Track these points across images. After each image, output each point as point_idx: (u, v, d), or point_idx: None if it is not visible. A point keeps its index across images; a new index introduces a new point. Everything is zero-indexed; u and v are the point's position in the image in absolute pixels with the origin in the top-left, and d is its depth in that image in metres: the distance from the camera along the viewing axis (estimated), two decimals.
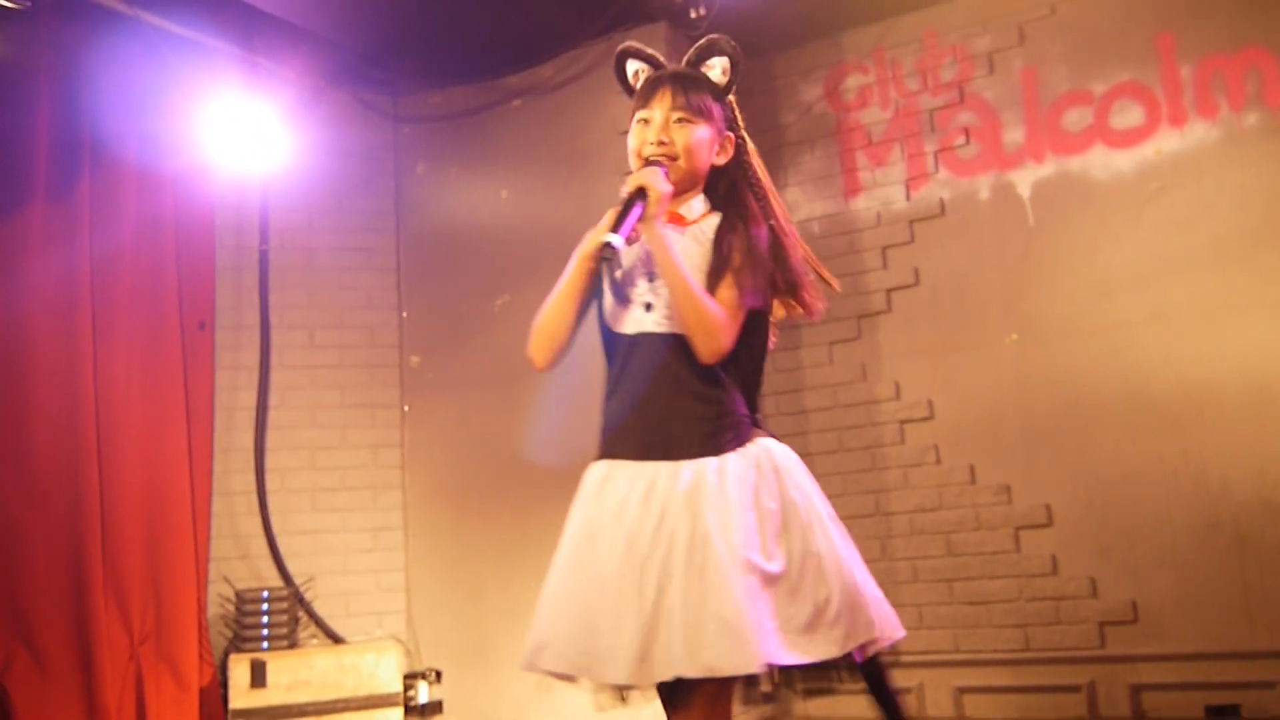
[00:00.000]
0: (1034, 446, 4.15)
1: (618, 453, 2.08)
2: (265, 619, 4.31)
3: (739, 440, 2.01)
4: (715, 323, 1.99)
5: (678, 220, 2.13)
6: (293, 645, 4.35)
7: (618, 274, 2.16)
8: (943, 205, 4.45)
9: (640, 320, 2.10)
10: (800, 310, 2.17)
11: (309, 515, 4.65)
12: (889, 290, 4.48)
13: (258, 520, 4.54)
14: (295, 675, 4.14)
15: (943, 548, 4.25)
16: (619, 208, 2.03)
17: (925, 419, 4.35)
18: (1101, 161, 4.19)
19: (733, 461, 1.98)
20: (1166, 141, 4.09)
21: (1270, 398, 3.81)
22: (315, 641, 4.51)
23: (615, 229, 1.98)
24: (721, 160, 2.17)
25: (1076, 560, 4.02)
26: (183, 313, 4.42)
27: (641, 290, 2.11)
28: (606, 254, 1.98)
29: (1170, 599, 3.87)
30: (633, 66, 2.23)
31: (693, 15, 4.30)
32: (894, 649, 2.06)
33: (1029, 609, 4.05)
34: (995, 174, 4.37)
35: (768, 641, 1.85)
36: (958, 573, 4.21)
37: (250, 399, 4.63)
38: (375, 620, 4.65)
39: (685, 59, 2.21)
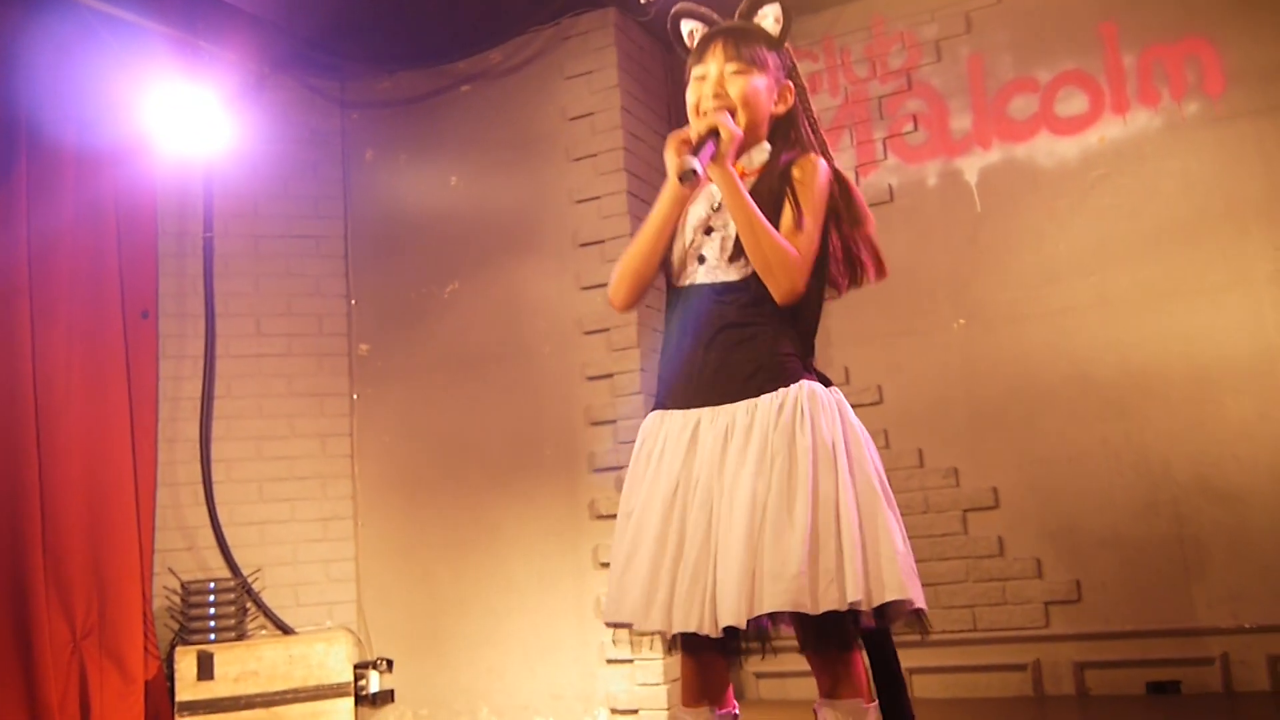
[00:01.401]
0: (981, 430, 4.20)
1: (668, 403, 2.12)
2: (212, 610, 4.25)
3: (779, 382, 2.01)
4: (790, 261, 2.00)
5: (739, 172, 2.13)
6: (241, 637, 4.30)
7: (683, 224, 2.16)
8: (891, 191, 4.48)
9: (693, 273, 2.13)
10: (859, 267, 2.18)
11: (256, 506, 4.60)
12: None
13: (204, 511, 4.48)
14: (243, 666, 4.09)
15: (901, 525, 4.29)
16: (690, 146, 2.03)
17: (874, 404, 4.38)
18: (1047, 149, 4.25)
19: (765, 403, 1.99)
20: (1110, 129, 4.15)
21: (1210, 381, 3.89)
22: (264, 633, 4.47)
23: (694, 155, 1.97)
24: (781, 109, 2.19)
25: (1022, 541, 4.08)
26: (125, 301, 4.34)
27: (697, 244, 2.13)
28: (688, 177, 1.95)
29: (1113, 578, 3.94)
30: (687, 26, 2.25)
31: (642, 1, 4.29)
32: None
33: (976, 590, 4.11)
34: (943, 161, 4.41)
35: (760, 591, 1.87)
36: None
37: (195, 388, 4.56)
38: (325, 610, 4.62)
39: (738, 11, 2.21)
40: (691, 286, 2.12)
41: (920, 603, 1.94)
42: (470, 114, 4.83)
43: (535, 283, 4.57)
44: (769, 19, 2.18)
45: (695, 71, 2.18)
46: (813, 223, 2.06)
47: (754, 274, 2.06)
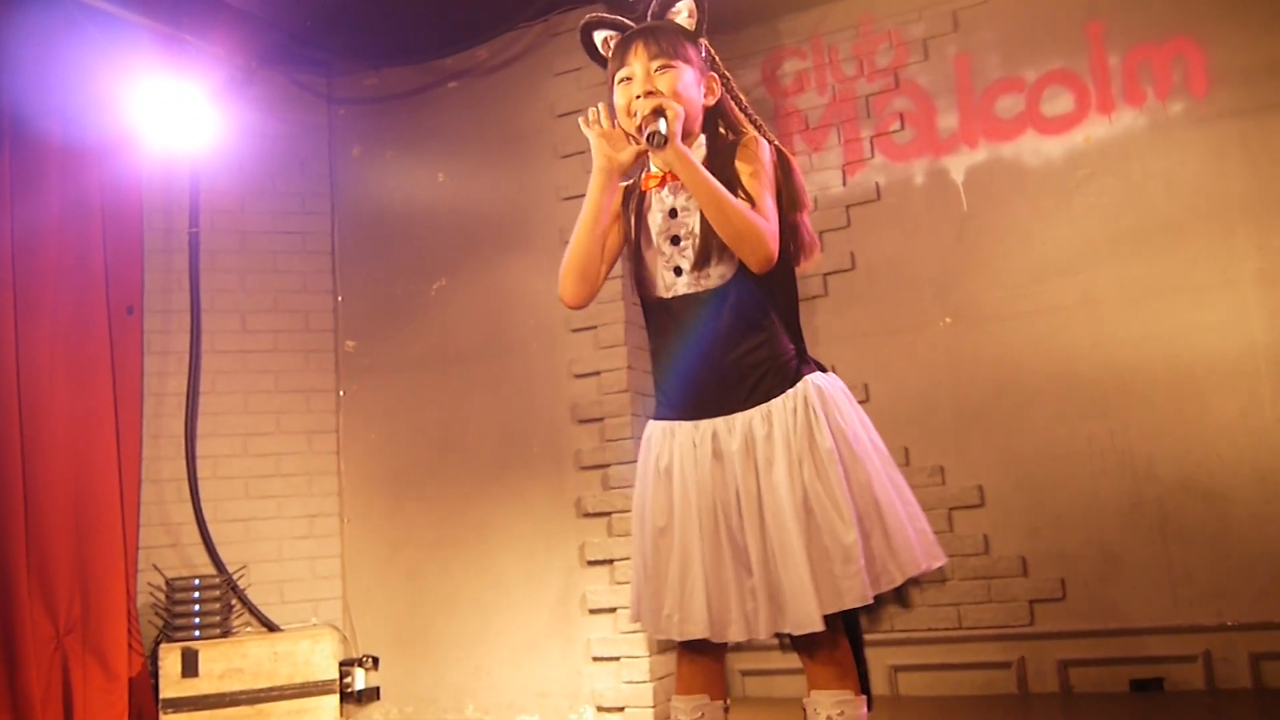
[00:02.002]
0: (967, 428, 4.21)
1: (672, 414, 2.11)
2: (197, 607, 4.24)
3: (787, 382, 2.03)
4: (758, 228, 1.98)
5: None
6: (225, 634, 4.28)
7: (643, 234, 2.16)
8: (878, 190, 4.49)
9: (673, 284, 2.11)
10: (796, 249, 2.17)
11: (242, 502, 4.58)
12: (825, 274, 4.52)
13: (189, 508, 4.46)
14: (228, 664, 4.08)
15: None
16: (637, 133, 2.04)
17: (861, 401, 4.30)
18: (1033, 148, 4.26)
19: (779, 407, 2.01)
20: (1095, 129, 4.17)
21: (1193, 380, 3.91)
22: (249, 630, 4.45)
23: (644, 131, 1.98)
24: (710, 100, 2.19)
25: (1007, 540, 4.10)
26: (109, 296, 4.32)
27: (668, 255, 2.12)
28: (656, 140, 1.95)
29: (1097, 577, 3.96)
30: (600, 35, 2.23)
31: None
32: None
33: (961, 588, 4.12)
34: (930, 159, 4.42)
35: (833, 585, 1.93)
36: None
37: (180, 385, 4.54)
38: (311, 607, 4.60)
39: (649, 12, 2.19)
40: (676, 298, 2.11)
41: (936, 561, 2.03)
42: (458, 110, 4.82)
43: (523, 279, 4.56)
44: (683, 14, 2.17)
45: (619, 74, 2.14)
46: (768, 196, 2.05)
47: (734, 276, 2.07)
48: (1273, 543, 3.74)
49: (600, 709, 4.13)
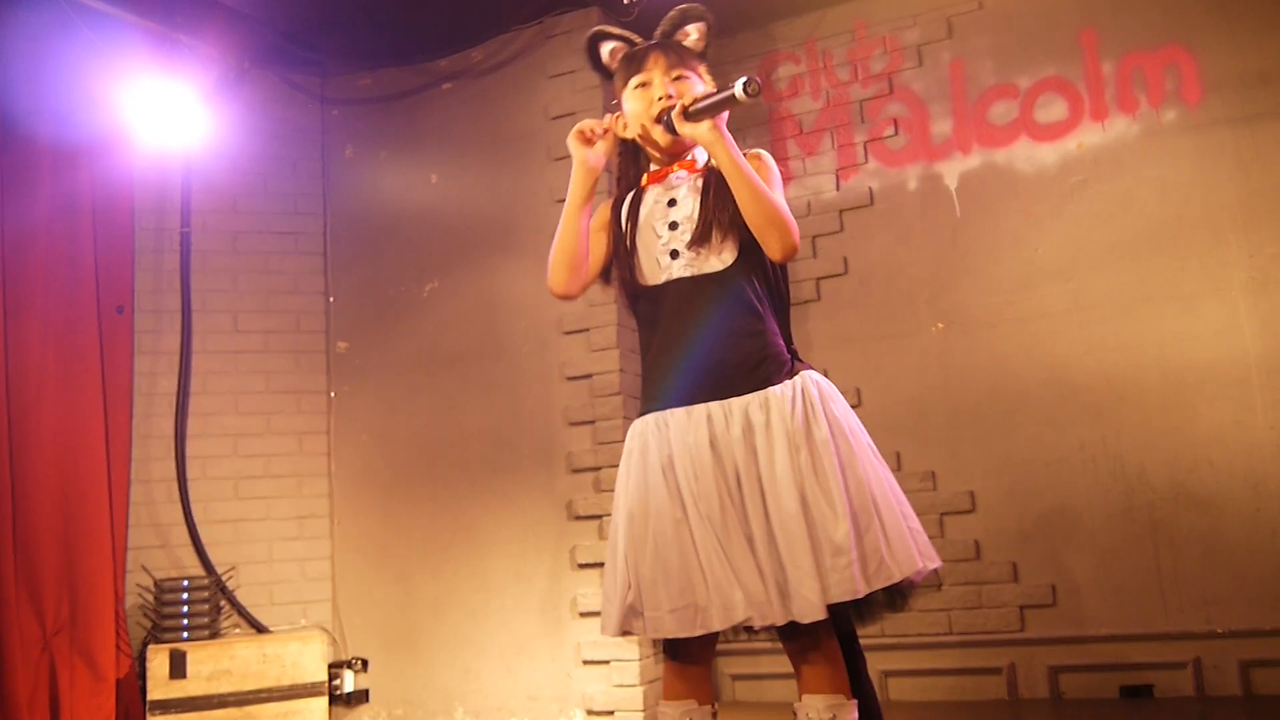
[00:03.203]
0: (959, 434, 4.21)
1: (662, 402, 2.10)
2: (185, 609, 4.22)
3: (785, 372, 2.05)
4: (787, 218, 2.06)
5: (689, 166, 2.19)
6: (214, 635, 4.27)
7: (634, 224, 2.20)
8: (872, 195, 4.49)
9: (668, 268, 2.13)
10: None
11: (231, 504, 4.56)
12: (818, 279, 4.52)
13: (178, 508, 4.45)
14: (216, 665, 4.06)
15: None
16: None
17: (853, 406, 4.35)
18: (1026, 154, 4.27)
19: (777, 396, 2.01)
20: (1088, 136, 4.18)
21: (1184, 387, 3.91)
22: (238, 631, 4.44)
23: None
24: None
25: (998, 545, 4.10)
26: (100, 295, 4.31)
27: (664, 239, 2.14)
28: (752, 89, 1.97)
29: (1087, 583, 3.96)
30: (608, 46, 2.29)
31: (625, 1, 4.28)
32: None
33: (952, 593, 4.12)
34: (923, 165, 4.43)
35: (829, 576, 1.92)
36: None
37: (170, 385, 4.52)
38: (300, 609, 4.59)
39: (659, 30, 2.26)
40: (671, 282, 2.12)
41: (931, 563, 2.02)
42: (451, 112, 4.81)
43: (515, 282, 4.56)
44: (693, 36, 2.24)
45: (635, 80, 2.20)
46: (783, 199, 2.12)
47: (735, 263, 2.09)
48: (1263, 550, 3.75)
49: (590, 713, 4.12)
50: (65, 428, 4.12)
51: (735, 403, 2.02)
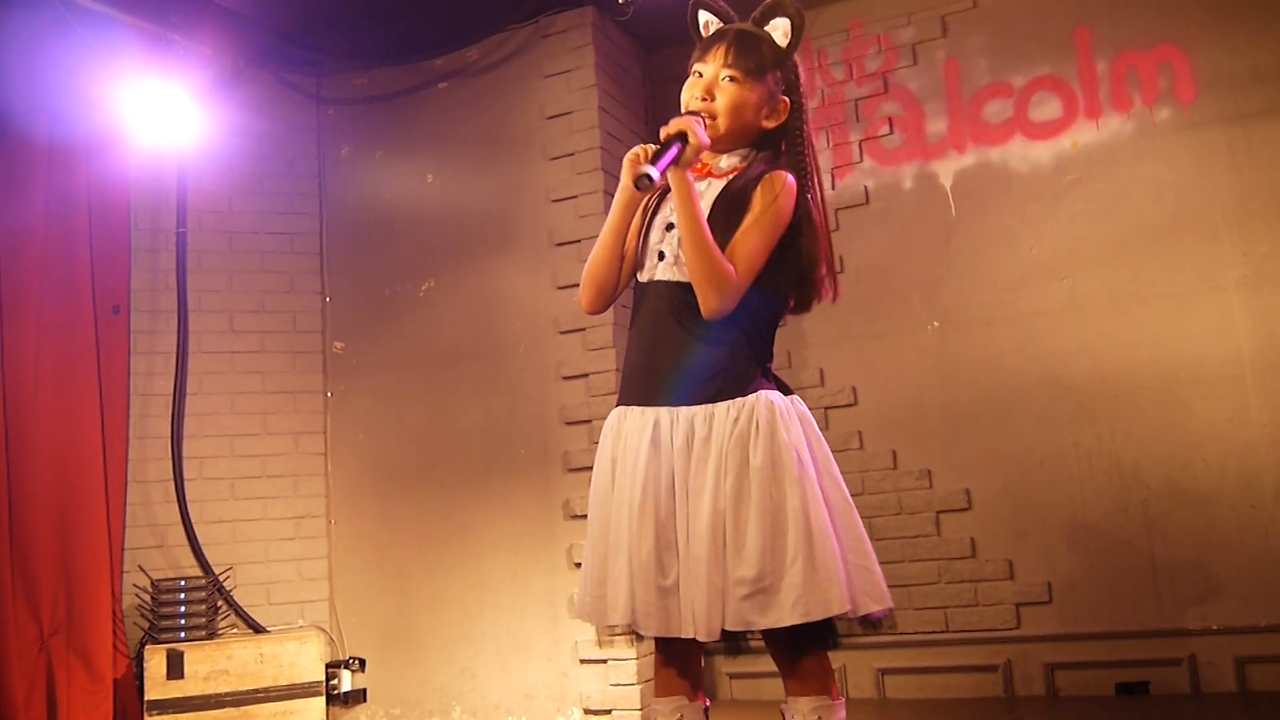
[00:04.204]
0: (954, 432, 4.22)
1: (631, 398, 2.11)
2: (182, 609, 4.22)
3: (737, 390, 2.00)
4: (724, 279, 1.96)
5: (703, 170, 2.14)
6: (211, 635, 4.27)
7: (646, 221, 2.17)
8: (867, 194, 4.50)
9: (654, 269, 2.13)
10: (807, 293, 2.15)
11: (228, 504, 4.56)
12: None
13: (175, 509, 4.44)
14: (213, 665, 4.06)
15: (866, 532, 4.31)
16: (657, 145, 2.01)
17: (849, 405, 4.40)
18: (1020, 153, 4.28)
19: (721, 413, 1.99)
20: (1083, 134, 4.19)
21: (1178, 385, 3.92)
22: (235, 631, 4.44)
23: (653, 162, 1.95)
24: (771, 124, 2.16)
25: (994, 543, 4.11)
26: (96, 295, 4.31)
27: (658, 239, 2.14)
28: (643, 184, 1.93)
29: (1083, 580, 3.97)
30: (704, 17, 2.24)
31: (620, 1, 4.29)
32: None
33: (948, 591, 4.13)
34: (918, 164, 4.43)
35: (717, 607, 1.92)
36: (880, 556, 4.10)
37: (167, 385, 4.52)
38: (297, 609, 4.59)
39: (752, 17, 2.19)
40: (652, 283, 2.13)
41: (878, 605, 1.98)
42: (447, 112, 4.81)
43: (511, 281, 4.56)
44: (779, 31, 2.15)
45: (696, 66, 2.16)
46: (759, 239, 2.01)
47: None
48: (1257, 547, 3.76)
49: (587, 711, 4.13)
50: (61, 428, 4.12)
51: (683, 411, 2.02)
